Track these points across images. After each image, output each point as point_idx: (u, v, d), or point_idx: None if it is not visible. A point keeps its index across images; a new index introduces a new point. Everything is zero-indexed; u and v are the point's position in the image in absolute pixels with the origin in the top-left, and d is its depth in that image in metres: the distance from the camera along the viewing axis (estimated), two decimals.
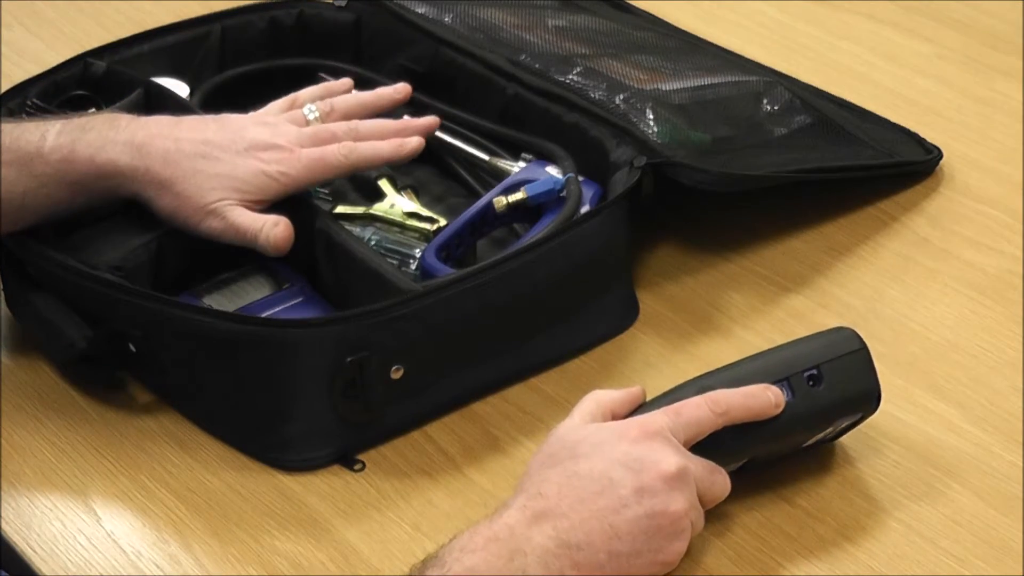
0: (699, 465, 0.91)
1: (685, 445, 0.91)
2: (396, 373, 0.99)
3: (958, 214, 1.22)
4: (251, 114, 1.14)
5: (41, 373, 1.09)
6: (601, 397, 0.94)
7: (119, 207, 1.10)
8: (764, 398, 0.93)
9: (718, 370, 0.96)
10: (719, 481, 0.92)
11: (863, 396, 0.97)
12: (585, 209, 1.11)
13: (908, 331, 1.11)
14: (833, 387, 0.96)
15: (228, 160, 1.06)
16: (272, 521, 0.98)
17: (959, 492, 0.98)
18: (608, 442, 0.90)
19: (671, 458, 0.89)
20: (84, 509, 0.99)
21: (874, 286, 1.16)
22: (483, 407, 1.05)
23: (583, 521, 0.87)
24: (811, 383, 0.95)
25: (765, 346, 1.07)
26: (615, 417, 0.94)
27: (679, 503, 0.88)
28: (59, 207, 1.07)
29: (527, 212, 1.13)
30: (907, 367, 1.07)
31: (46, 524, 0.98)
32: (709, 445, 0.92)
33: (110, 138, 1.06)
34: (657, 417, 0.91)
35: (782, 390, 0.94)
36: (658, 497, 0.88)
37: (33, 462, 1.02)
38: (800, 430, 0.96)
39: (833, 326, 0.99)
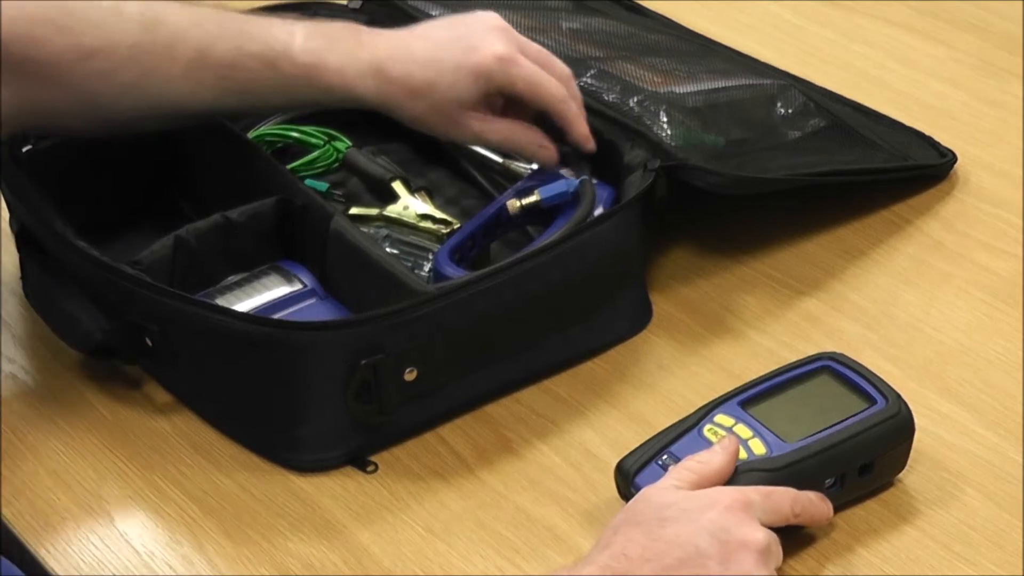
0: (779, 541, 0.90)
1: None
2: (410, 375, 0.99)
3: (972, 217, 1.22)
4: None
5: (56, 374, 1.09)
6: (696, 466, 0.92)
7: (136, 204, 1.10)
8: (823, 511, 0.93)
9: (775, 459, 0.94)
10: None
11: (895, 473, 0.99)
12: (599, 211, 1.11)
13: (922, 335, 1.11)
14: (878, 475, 0.97)
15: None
16: (284, 522, 0.98)
17: (972, 496, 0.98)
18: (697, 509, 0.88)
19: (759, 532, 0.88)
20: (97, 509, 0.99)
21: (888, 289, 1.16)
22: (495, 409, 1.05)
23: None
24: (862, 473, 0.96)
25: (779, 350, 1.08)
26: (709, 485, 0.92)
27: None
28: (286, 107, 1.17)
29: (541, 214, 1.12)
30: (920, 371, 1.07)
31: (59, 524, 0.98)
32: None
33: (356, 55, 1.08)
34: (749, 492, 0.90)
35: (835, 482, 0.95)
36: (744, 570, 0.87)
37: (47, 462, 1.03)
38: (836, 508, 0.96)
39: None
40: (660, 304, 1.13)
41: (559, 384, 1.07)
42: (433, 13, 1.29)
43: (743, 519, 0.88)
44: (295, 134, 1.25)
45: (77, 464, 1.03)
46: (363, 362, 0.97)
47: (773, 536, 0.89)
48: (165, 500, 1.00)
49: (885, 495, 0.98)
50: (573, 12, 1.31)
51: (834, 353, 1.01)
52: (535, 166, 1.17)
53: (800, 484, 0.93)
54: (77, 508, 0.99)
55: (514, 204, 1.12)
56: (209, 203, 1.14)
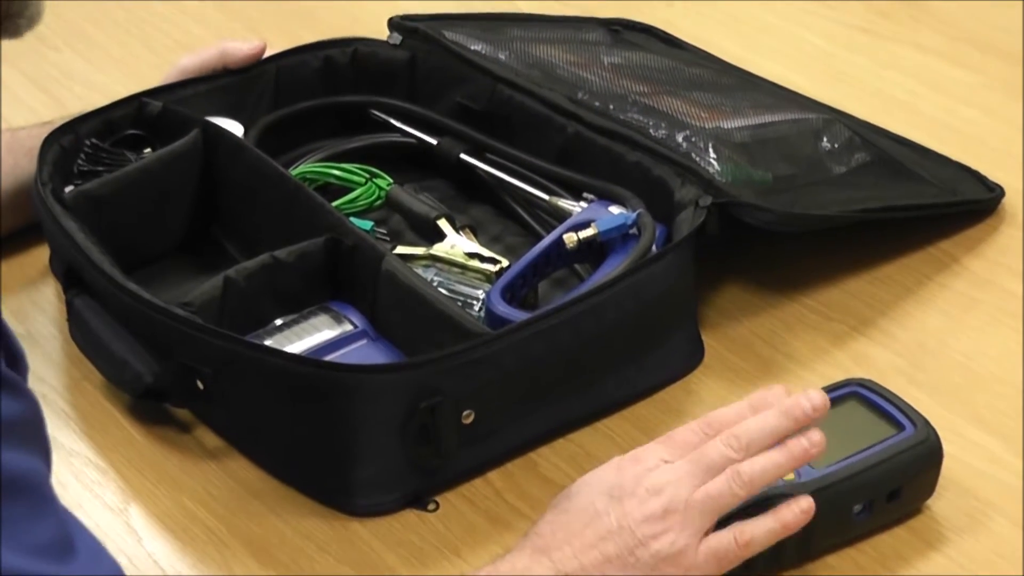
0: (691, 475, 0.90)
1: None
2: (467, 418, 0.99)
3: (1002, 245, 1.22)
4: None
5: (85, 393, 1.09)
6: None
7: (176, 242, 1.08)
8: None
9: (804, 484, 0.93)
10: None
11: (923, 500, 0.99)
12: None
13: (951, 362, 1.11)
14: (906, 501, 0.97)
15: None
16: (313, 545, 0.98)
17: (1000, 524, 0.98)
18: (596, 476, 0.92)
19: (654, 479, 0.90)
20: (125, 528, 0.99)
21: (918, 316, 1.15)
22: (545, 450, 1.04)
23: (576, 553, 0.88)
24: (890, 500, 0.96)
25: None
26: None
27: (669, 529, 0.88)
28: None
29: (590, 252, 1.12)
30: (950, 398, 1.07)
31: None
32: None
33: None
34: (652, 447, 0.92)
35: (863, 508, 0.95)
36: (647, 527, 0.88)
37: (75, 481, 1.02)
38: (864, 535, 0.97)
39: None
40: (708, 342, 1.12)
41: (611, 425, 1.06)
42: (474, 48, 1.28)
43: (637, 472, 0.90)
44: (336, 172, 1.23)
45: (105, 483, 1.02)
46: (422, 405, 0.97)
47: (675, 479, 0.89)
48: (193, 521, 1.00)
49: (913, 522, 0.98)
50: (612, 46, 1.31)
51: (863, 379, 1.01)
52: (583, 204, 1.16)
53: (828, 510, 0.93)
54: (105, 527, 0.99)
55: (571, 238, 1.11)
56: (252, 241, 1.14)
